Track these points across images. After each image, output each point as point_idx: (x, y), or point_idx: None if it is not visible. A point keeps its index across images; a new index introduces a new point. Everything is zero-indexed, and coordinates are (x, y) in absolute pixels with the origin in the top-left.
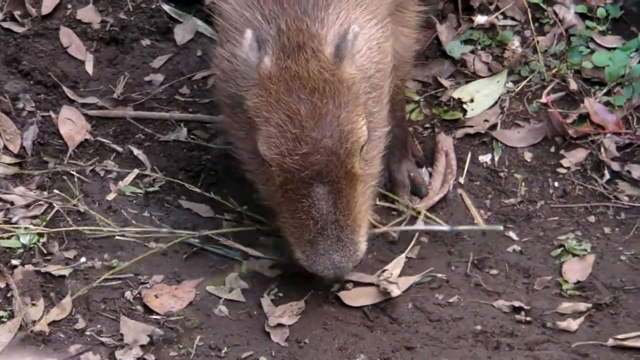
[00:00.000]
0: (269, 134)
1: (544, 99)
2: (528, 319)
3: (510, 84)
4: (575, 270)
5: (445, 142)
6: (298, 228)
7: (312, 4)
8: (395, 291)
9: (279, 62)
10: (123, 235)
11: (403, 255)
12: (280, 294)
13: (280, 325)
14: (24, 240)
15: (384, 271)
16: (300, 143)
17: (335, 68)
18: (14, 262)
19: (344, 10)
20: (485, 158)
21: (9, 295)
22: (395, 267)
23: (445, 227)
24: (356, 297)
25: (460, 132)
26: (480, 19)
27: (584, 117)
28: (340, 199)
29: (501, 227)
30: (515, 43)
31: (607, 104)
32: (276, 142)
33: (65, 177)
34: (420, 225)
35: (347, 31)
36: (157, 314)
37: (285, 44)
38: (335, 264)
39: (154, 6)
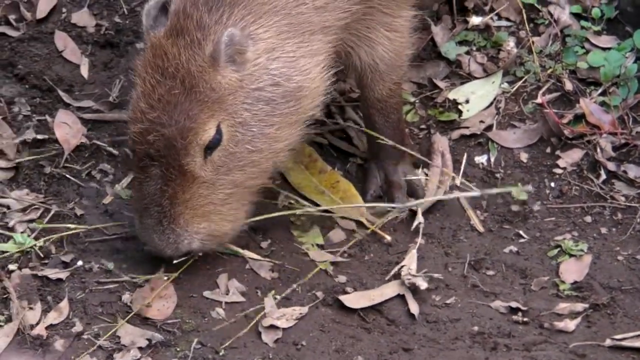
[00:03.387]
0: (132, 99)
1: (539, 100)
2: (525, 319)
3: (505, 85)
4: (572, 270)
5: (441, 143)
6: (134, 196)
7: None
8: (423, 284)
9: (162, 37)
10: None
11: (414, 251)
12: (277, 297)
13: (273, 327)
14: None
15: (401, 267)
16: (143, 119)
17: (206, 66)
18: (11, 266)
19: (253, 14)
20: (481, 159)
21: (6, 299)
22: (411, 261)
23: (476, 192)
24: (356, 300)
25: (456, 133)
26: (475, 20)
27: (580, 118)
28: (168, 187)
29: (530, 188)
30: (510, 44)
31: (602, 104)
32: (132, 108)
33: (61, 181)
34: (451, 194)
35: (228, 34)
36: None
37: (175, 24)
38: (154, 244)
39: None
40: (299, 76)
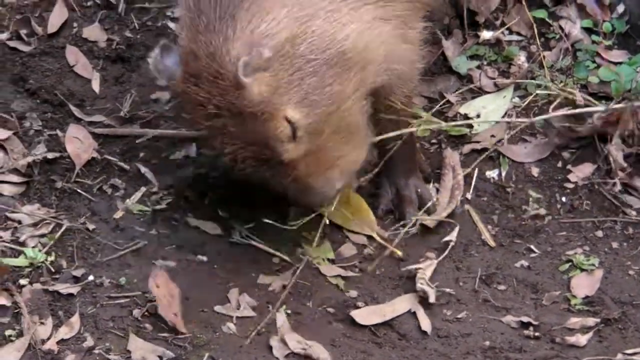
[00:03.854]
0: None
1: (551, 114)
2: (537, 334)
3: (516, 99)
4: (583, 285)
5: (452, 157)
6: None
7: (217, 15)
8: (432, 297)
9: (185, 83)
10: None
11: (435, 260)
12: (288, 311)
13: (283, 341)
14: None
15: (417, 270)
16: (224, 151)
17: (238, 90)
18: (22, 281)
19: (257, 15)
20: (492, 173)
21: (17, 313)
22: (428, 268)
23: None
24: (367, 316)
25: (467, 148)
26: (486, 35)
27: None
28: (284, 176)
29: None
30: (521, 58)
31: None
32: (211, 143)
33: (72, 196)
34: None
35: (241, 61)
36: (166, 331)
37: (189, 65)
38: (310, 202)
39: (159, 24)
40: (333, 44)
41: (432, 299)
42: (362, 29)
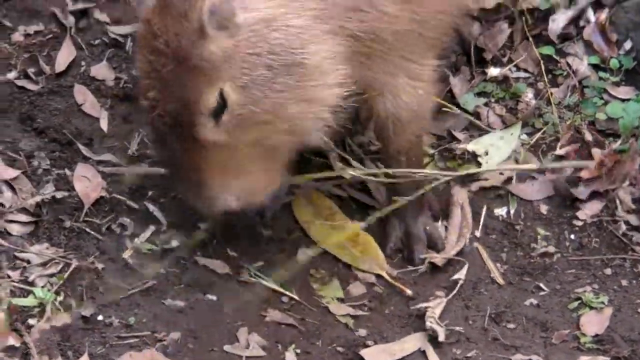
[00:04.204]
0: (138, 74)
1: (559, 151)
2: None
3: (524, 136)
4: (593, 323)
5: (461, 195)
6: (162, 165)
7: None
8: (442, 336)
9: (150, 12)
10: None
11: (444, 299)
12: (298, 350)
13: None
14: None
15: (427, 308)
16: (148, 96)
17: (196, 37)
18: (31, 320)
19: None
20: (500, 211)
21: (26, 354)
22: (437, 306)
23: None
24: (377, 355)
25: (475, 185)
26: (494, 72)
27: (600, 168)
28: (189, 157)
29: None
30: (528, 95)
31: (621, 153)
32: (139, 83)
33: (81, 235)
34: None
35: (205, 5)
36: None
37: None
38: (194, 205)
39: None
40: (301, 51)
41: (441, 338)
42: (333, 50)
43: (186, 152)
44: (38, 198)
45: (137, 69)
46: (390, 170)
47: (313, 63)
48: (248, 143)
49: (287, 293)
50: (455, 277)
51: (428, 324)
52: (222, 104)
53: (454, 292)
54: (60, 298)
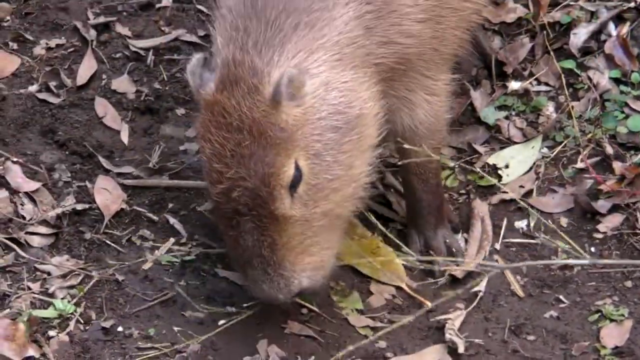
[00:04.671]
0: (203, 163)
1: (579, 164)
2: None
3: (545, 150)
4: (613, 335)
5: (481, 208)
6: (231, 253)
7: (265, 39)
8: (461, 347)
9: (215, 93)
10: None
11: (464, 311)
12: None
13: None
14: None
15: (446, 320)
16: (222, 179)
17: (269, 109)
18: (51, 332)
19: (305, 51)
20: (521, 224)
21: None
22: (457, 318)
23: (586, 261)
24: None
25: (495, 198)
26: (514, 85)
27: (620, 181)
28: (265, 237)
29: None
30: (549, 108)
31: None
32: (206, 171)
33: (101, 247)
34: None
35: (286, 74)
36: None
37: (226, 75)
38: (265, 294)
39: None
40: (358, 103)
41: (461, 349)
42: (375, 89)
43: (260, 232)
44: (59, 210)
45: (206, 154)
46: (440, 258)
47: (369, 111)
48: (318, 215)
49: (307, 305)
50: (476, 289)
51: (447, 335)
52: (299, 175)
53: (474, 304)
54: (80, 310)
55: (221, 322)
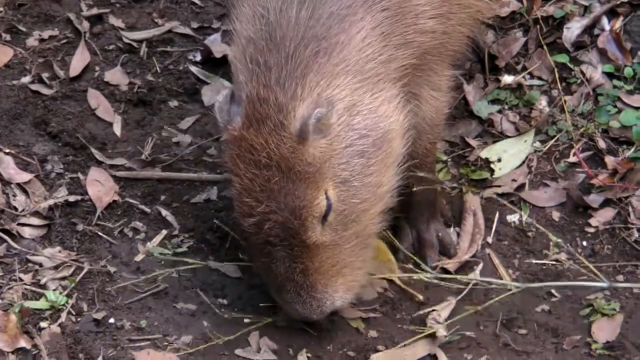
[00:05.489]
0: (233, 195)
1: (572, 158)
2: None
3: (537, 144)
4: (604, 329)
5: (473, 201)
6: (265, 276)
7: (288, 72)
8: (441, 332)
9: (242, 130)
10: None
11: (454, 300)
12: (309, 355)
13: None
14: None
15: (432, 311)
16: (253, 213)
17: (296, 144)
18: (42, 323)
19: (326, 78)
20: (513, 218)
21: (37, 355)
22: (444, 309)
23: (604, 284)
24: (388, 359)
25: (488, 192)
26: (507, 79)
27: (612, 176)
28: (297, 264)
29: None
30: (542, 103)
31: (634, 161)
32: (236, 203)
33: (93, 239)
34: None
35: (315, 114)
36: None
37: (252, 112)
38: (299, 314)
39: (181, 68)
40: (383, 122)
41: (441, 334)
42: (398, 100)
43: (292, 259)
44: (51, 201)
45: (236, 188)
46: (445, 276)
47: (394, 126)
48: (349, 237)
49: None
50: (469, 277)
51: (429, 323)
52: (329, 205)
53: (465, 295)
54: (72, 301)
55: (213, 314)
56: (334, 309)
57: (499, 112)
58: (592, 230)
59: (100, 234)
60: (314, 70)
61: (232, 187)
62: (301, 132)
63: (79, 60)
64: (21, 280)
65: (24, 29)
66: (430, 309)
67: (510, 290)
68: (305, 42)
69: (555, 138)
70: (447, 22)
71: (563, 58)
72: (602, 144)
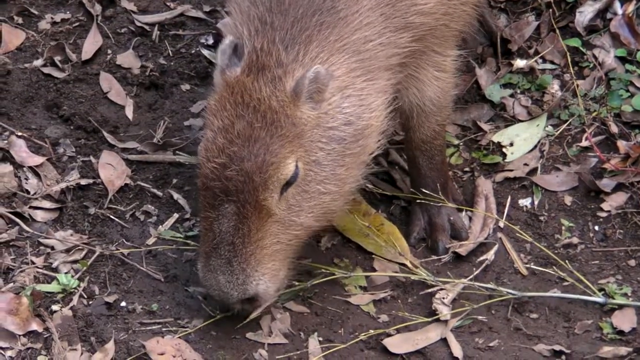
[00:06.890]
0: (206, 137)
1: (584, 142)
2: None
3: (549, 128)
4: (616, 314)
5: (485, 186)
6: (202, 238)
7: (293, 35)
8: (445, 312)
9: (240, 75)
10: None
11: (466, 280)
12: (320, 339)
13: None
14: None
15: (440, 290)
16: (222, 153)
17: (288, 102)
18: (54, 307)
19: (326, 52)
20: (525, 202)
21: (49, 338)
22: (451, 290)
23: (600, 299)
24: (399, 344)
25: (499, 176)
26: (520, 63)
27: (625, 160)
28: (243, 225)
29: None
30: (554, 87)
31: None
32: (207, 145)
33: (105, 222)
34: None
35: (312, 70)
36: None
37: (253, 61)
38: (220, 286)
39: (193, 51)
40: (367, 114)
41: (446, 317)
42: (389, 89)
43: (240, 218)
44: (63, 185)
45: (213, 128)
46: (442, 279)
47: (374, 122)
48: (296, 226)
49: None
50: (482, 258)
51: (434, 305)
52: (295, 175)
53: (477, 272)
54: (83, 284)
55: None
56: (254, 294)
57: (511, 96)
58: (604, 214)
59: (112, 217)
60: (317, 41)
61: (208, 128)
62: (295, 91)
63: (91, 43)
64: (33, 263)
65: (36, 12)
66: (436, 288)
67: (505, 295)
68: (313, 11)
69: (568, 122)
70: (449, 2)
71: (575, 42)
72: (614, 128)
